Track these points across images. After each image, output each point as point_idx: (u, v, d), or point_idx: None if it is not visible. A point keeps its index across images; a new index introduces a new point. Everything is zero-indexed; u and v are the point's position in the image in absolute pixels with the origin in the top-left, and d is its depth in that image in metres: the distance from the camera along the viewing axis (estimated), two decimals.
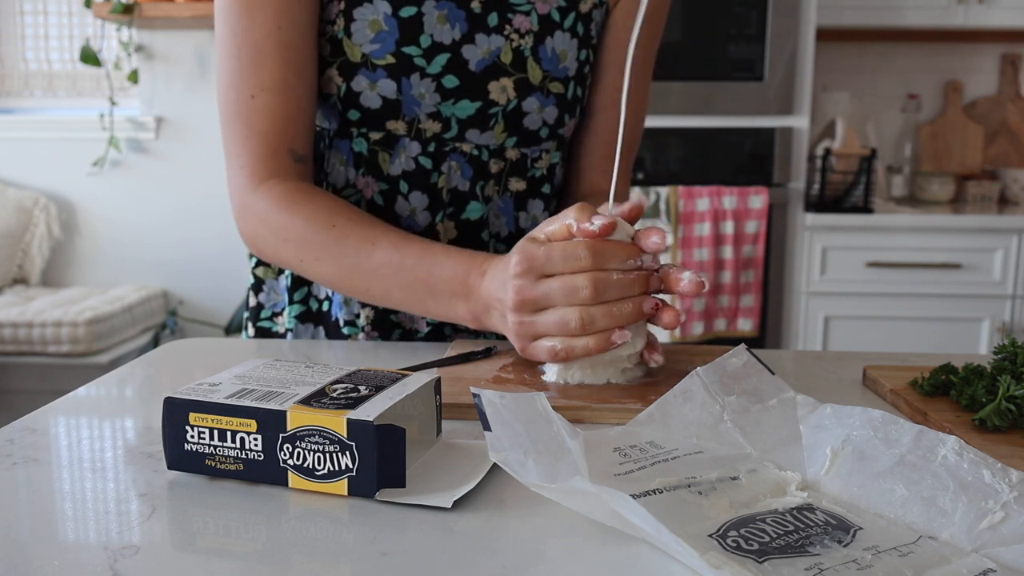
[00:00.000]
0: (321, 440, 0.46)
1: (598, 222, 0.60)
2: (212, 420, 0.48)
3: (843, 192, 2.55)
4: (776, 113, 2.46)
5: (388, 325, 0.86)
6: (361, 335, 0.86)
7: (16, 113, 3.30)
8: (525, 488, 0.44)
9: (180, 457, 0.49)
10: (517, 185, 0.89)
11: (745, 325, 2.48)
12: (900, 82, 3.00)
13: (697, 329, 2.46)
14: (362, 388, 0.50)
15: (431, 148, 0.84)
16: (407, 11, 0.80)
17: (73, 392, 0.67)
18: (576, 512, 0.43)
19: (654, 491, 0.44)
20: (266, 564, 0.40)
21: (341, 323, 0.87)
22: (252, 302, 0.93)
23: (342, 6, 0.80)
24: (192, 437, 0.48)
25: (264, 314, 0.92)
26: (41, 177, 3.26)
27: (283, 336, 0.91)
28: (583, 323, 0.60)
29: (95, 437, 0.57)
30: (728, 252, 2.44)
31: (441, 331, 0.88)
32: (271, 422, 0.47)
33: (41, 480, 0.50)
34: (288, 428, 0.47)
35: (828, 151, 2.55)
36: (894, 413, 0.59)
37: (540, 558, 0.41)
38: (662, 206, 2.42)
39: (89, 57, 3.04)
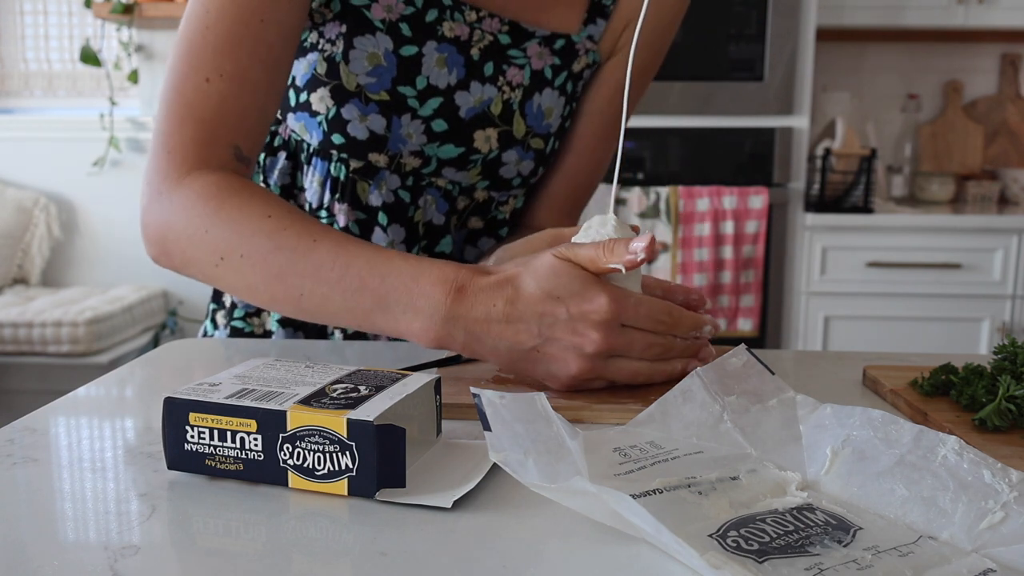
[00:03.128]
0: (321, 440, 0.46)
1: (639, 248, 0.57)
2: (212, 420, 0.48)
3: (843, 192, 2.55)
4: (776, 113, 2.46)
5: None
6: (338, 334, 0.85)
7: (16, 113, 3.30)
8: (525, 488, 0.44)
9: (180, 457, 0.49)
10: (475, 223, 0.89)
11: (745, 325, 2.48)
12: (900, 82, 3.00)
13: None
14: (362, 388, 0.50)
15: (409, 182, 0.84)
16: (408, 50, 0.79)
17: (73, 392, 0.67)
18: (576, 512, 0.43)
19: (654, 491, 0.43)
20: (266, 564, 0.40)
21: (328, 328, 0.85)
22: (227, 300, 0.88)
23: (343, 29, 0.78)
24: (192, 437, 0.48)
25: (237, 313, 0.88)
26: (41, 177, 3.26)
27: (260, 336, 0.88)
28: (647, 377, 0.62)
29: (95, 437, 0.57)
30: (728, 252, 2.44)
31: None
32: (271, 422, 0.47)
33: (41, 480, 0.50)
34: (288, 428, 0.47)
35: (828, 151, 2.55)
36: (894, 413, 0.59)
37: (540, 558, 0.41)
38: (662, 206, 2.42)
39: (89, 57, 3.04)
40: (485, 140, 0.84)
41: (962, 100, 3.00)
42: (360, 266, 0.63)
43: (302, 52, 0.81)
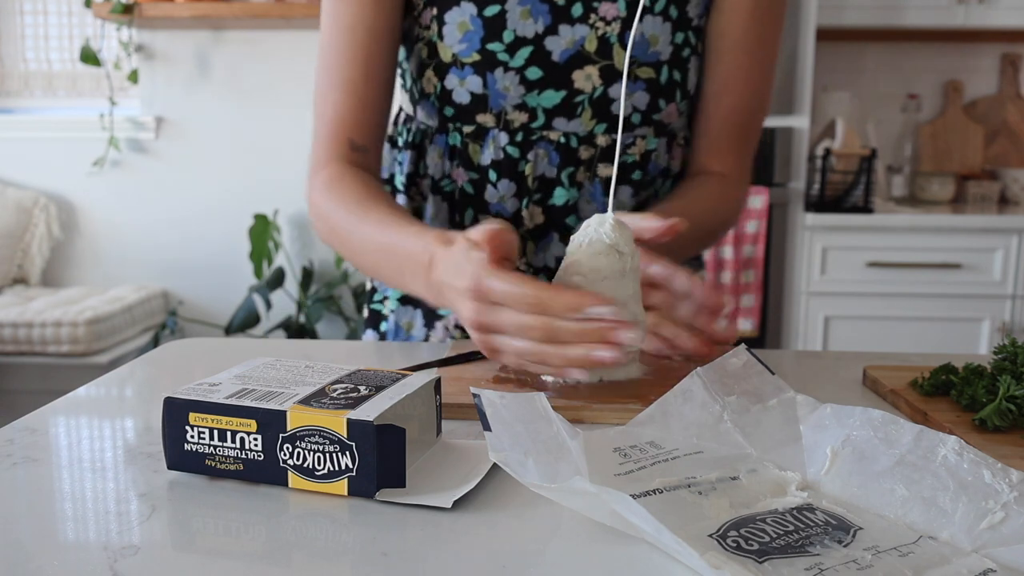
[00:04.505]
0: (321, 440, 0.46)
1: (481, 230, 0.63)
2: (212, 420, 0.48)
3: (843, 192, 2.55)
4: (776, 113, 2.45)
5: None
6: (452, 317, 0.90)
7: (16, 113, 3.30)
8: (525, 488, 0.44)
9: (180, 457, 0.49)
10: (607, 171, 0.89)
11: (745, 325, 2.48)
12: (900, 82, 3.00)
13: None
14: (362, 388, 0.50)
15: (519, 138, 0.87)
16: (491, 10, 0.84)
17: (73, 392, 0.67)
18: (576, 512, 0.43)
19: (654, 491, 0.44)
20: (266, 564, 0.40)
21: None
22: (368, 285, 1.01)
23: (435, 12, 0.85)
24: (192, 437, 0.48)
25: (377, 296, 0.98)
26: (41, 177, 3.25)
27: (386, 317, 0.97)
28: (539, 358, 0.61)
29: (95, 437, 0.57)
30: (728, 252, 2.44)
31: None
32: (271, 422, 0.47)
33: (41, 480, 0.50)
34: (288, 428, 0.47)
35: (828, 151, 2.55)
36: (894, 413, 0.59)
37: (540, 558, 0.41)
38: None
39: (89, 57, 3.04)
40: (586, 79, 0.85)
41: (962, 100, 3.00)
42: (381, 242, 0.77)
43: (410, 44, 0.90)
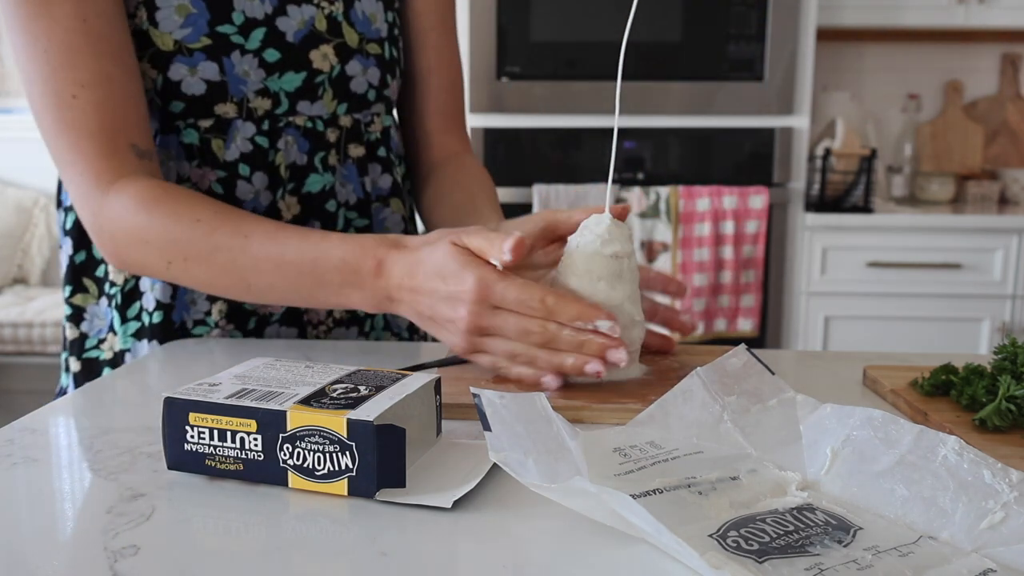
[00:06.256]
0: (321, 440, 0.46)
1: (508, 248, 0.60)
2: (212, 420, 0.48)
3: (843, 192, 2.55)
4: (776, 113, 2.45)
5: (243, 314, 0.85)
6: (216, 331, 0.85)
7: (16, 113, 3.30)
8: (525, 488, 0.44)
9: (180, 457, 0.49)
10: (356, 151, 0.90)
11: (745, 325, 2.48)
12: (900, 82, 3.00)
13: (697, 329, 2.46)
14: (362, 388, 0.50)
15: (265, 126, 0.83)
16: None
17: (73, 392, 0.67)
18: (576, 512, 0.43)
19: (654, 491, 0.44)
20: (266, 564, 0.40)
21: (190, 325, 0.85)
22: (73, 334, 0.88)
23: None
24: (192, 437, 0.48)
25: (89, 343, 0.88)
26: (41, 177, 3.25)
27: (112, 362, 0.87)
28: (527, 360, 0.62)
29: (95, 437, 0.57)
30: (728, 252, 2.44)
31: (297, 313, 0.87)
32: (271, 422, 0.47)
33: (41, 480, 0.50)
34: (288, 428, 0.47)
35: (828, 151, 2.55)
36: (894, 413, 0.59)
37: (540, 558, 0.41)
38: (662, 206, 2.42)
39: None
40: (323, 58, 0.85)
41: (962, 100, 3.00)
42: (292, 256, 0.70)
43: None
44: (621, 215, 0.66)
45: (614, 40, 2.39)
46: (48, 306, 2.84)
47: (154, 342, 0.84)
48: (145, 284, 0.85)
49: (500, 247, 0.61)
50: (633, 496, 0.41)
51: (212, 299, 0.84)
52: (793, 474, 0.47)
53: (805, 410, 0.52)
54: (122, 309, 0.85)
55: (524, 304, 0.60)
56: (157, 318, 0.84)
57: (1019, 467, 0.43)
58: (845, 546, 0.40)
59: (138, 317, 0.85)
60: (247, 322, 0.85)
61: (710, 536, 0.40)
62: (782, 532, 0.40)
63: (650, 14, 2.40)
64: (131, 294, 0.85)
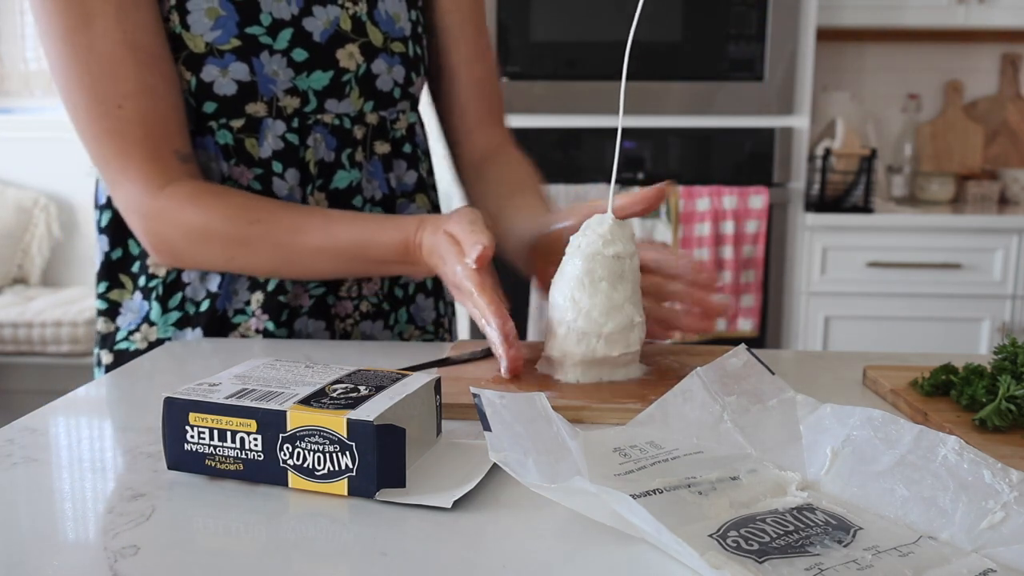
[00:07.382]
0: (321, 440, 0.46)
1: (471, 260, 0.68)
2: (212, 420, 0.48)
3: (843, 192, 2.55)
4: (776, 113, 2.45)
5: (277, 306, 0.87)
6: (252, 320, 0.87)
7: (16, 113, 3.30)
8: (525, 488, 0.44)
9: (180, 457, 0.49)
10: (382, 148, 0.91)
11: (745, 325, 2.48)
12: (900, 82, 3.00)
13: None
14: (362, 388, 0.50)
15: (295, 124, 0.85)
16: None
17: (73, 392, 0.67)
18: (576, 512, 0.43)
19: (654, 491, 0.43)
20: (266, 564, 0.40)
21: (231, 314, 0.87)
22: (107, 328, 0.90)
23: (173, 1, 0.80)
24: (192, 437, 0.48)
25: (120, 335, 0.89)
26: (41, 177, 3.25)
27: (144, 351, 0.88)
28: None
29: (95, 437, 0.57)
30: (728, 252, 2.44)
31: (324, 302, 0.89)
32: (271, 422, 0.47)
33: (41, 480, 0.50)
34: (288, 428, 0.47)
35: (828, 151, 2.55)
36: (894, 413, 0.59)
37: (540, 558, 0.41)
38: (662, 206, 2.42)
39: None
40: (349, 57, 0.86)
41: (962, 100, 3.00)
42: (346, 246, 0.79)
43: None
44: (660, 195, 0.72)
45: (614, 40, 2.39)
46: (48, 306, 2.84)
47: (198, 330, 0.87)
48: (188, 276, 0.87)
49: (469, 254, 0.68)
50: (633, 496, 0.41)
51: (252, 290, 0.87)
52: (793, 474, 0.47)
53: (805, 410, 0.52)
54: (163, 300, 0.88)
55: (470, 299, 0.69)
56: (204, 307, 0.87)
57: (1019, 467, 0.43)
58: (845, 546, 0.40)
59: (180, 307, 0.88)
60: (280, 313, 0.88)
61: (710, 536, 0.40)
62: (782, 532, 0.40)
63: (650, 14, 2.40)
64: (173, 285, 0.88)
